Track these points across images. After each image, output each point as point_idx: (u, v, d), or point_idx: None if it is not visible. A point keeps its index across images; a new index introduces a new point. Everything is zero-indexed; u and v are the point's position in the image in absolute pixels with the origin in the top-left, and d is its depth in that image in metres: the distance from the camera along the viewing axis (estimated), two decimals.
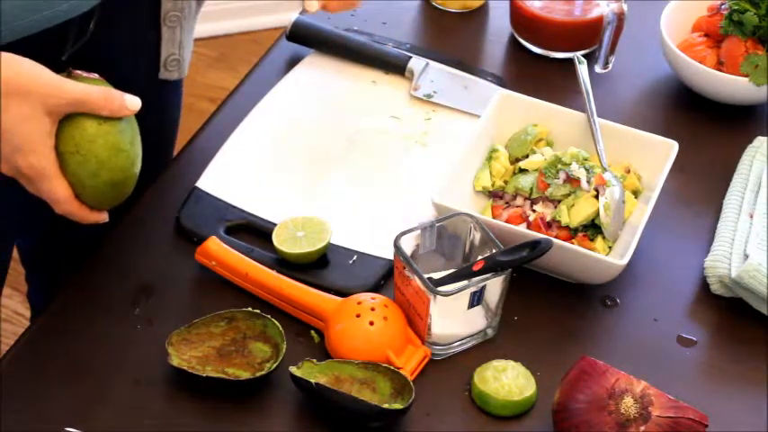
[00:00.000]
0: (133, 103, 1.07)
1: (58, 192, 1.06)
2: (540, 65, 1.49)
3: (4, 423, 1.07)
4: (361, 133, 1.37)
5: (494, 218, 1.24)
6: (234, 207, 1.27)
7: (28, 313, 2.28)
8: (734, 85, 1.38)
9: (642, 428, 1.01)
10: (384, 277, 1.21)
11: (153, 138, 1.43)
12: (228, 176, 1.30)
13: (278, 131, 1.36)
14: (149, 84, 1.35)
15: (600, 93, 1.36)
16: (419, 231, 1.16)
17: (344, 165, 1.33)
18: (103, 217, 1.11)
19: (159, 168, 1.34)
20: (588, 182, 1.22)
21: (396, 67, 1.44)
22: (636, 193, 1.26)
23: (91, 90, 1.04)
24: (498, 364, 1.12)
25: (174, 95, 1.46)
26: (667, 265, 1.25)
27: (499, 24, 1.54)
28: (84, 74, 1.07)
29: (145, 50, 1.32)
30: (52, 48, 1.17)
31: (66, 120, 1.05)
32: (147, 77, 1.34)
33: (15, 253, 1.67)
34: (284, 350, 1.10)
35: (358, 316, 1.12)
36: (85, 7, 1.14)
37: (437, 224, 1.16)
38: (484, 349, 1.15)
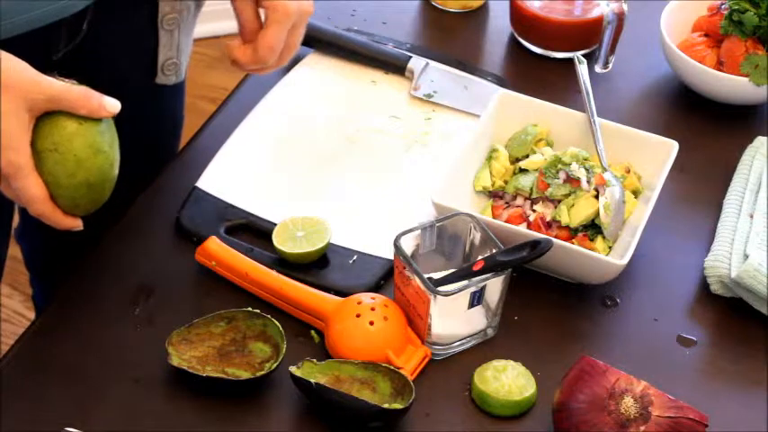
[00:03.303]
0: (112, 104, 1.04)
1: (32, 189, 1.03)
2: (540, 65, 1.49)
3: (4, 423, 1.07)
4: (361, 133, 1.37)
5: (494, 218, 1.24)
6: (234, 207, 1.27)
7: (28, 313, 2.28)
8: (734, 85, 1.38)
9: (642, 428, 1.01)
10: (384, 277, 1.21)
11: (152, 143, 1.42)
12: (228, 176, 1.30)
13: (278, 131, 1.36)
14: (146, 88, 1.35)
15: (600, 93, 1.36)
16: (419, 231, 1.16)
17: (344, 165, 1.33)
18: (77, 224, 1.07)
19: (160, 172, 1.33)
20: (588, 182, 1.22)
21: (396, 67, 1.44)
22: (636, 193, 1.26)
23: (69, 87, 1.02)
24: (498, 364, 1.12)
25: (174, 100, 1.45)
26: (667, 265, 1.25)
27: (499, 24, 1.55)
28: (65, 79, 1.05)
29: (141, 54, 1.32)
30: (43, 48, 1.16)
31: (45, 117, 1.03)
32: (144, 82, 1.34)
33: (18, 253, 1.68)
34: (284, 350, 1.10)
35: (358, 316, 1.12)
36: (78, 7, 1.13)
37: (437, 224, 1.16)
38: (484, 349, 1.15)
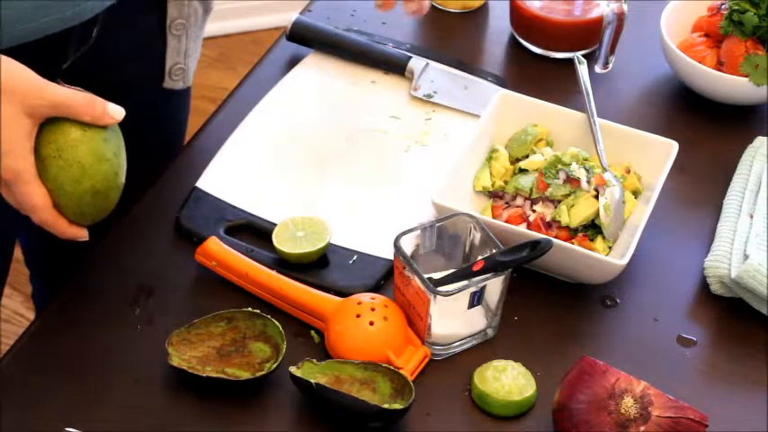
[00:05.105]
0: (116, 111, 1.04)
1: (34, 197, 1.02)
2: (540, 65, 1.49)
3: (4, 423, 1.07)
4: (361, 133, 1.37)
5: (494, 218, 1.24)
6: (234, 207, 1.27)
7: (28, 313, 2.28)
8: (734, 85, 1.38)
9: (642, 428, 1.01)
10: (384, 277, 1.21)
11: (157, 147, 1.43)
12: (228, 176, 1.30)
13: (278, 131, 1.36)
14: (153, 93, 1.35)
15: (600, 93, 1.36)
16: (419, 231, 1.16)
17: (344, 165, 1.33)
18: (82, 234, 1.07)
19: (160, 173, 1.33)
20: (588, 182, 1.22)
21: (396, 67, 1.44)
22: (636, 193, 1.26)
23: (73, 94, 1.02)
24: (498, 364, 1.12)
25: (180, 105, 1.45)
26: (667, 265, 1.25)
27: (499, 24, 1.55)
28: (70, 86, 1.04)
29: (149, 59, 1.32)
30: (53, 54, 1.16)
31: (49, 124, 1.03)
32: (151, 86, 1.34)
33: (18, 254, 1.68)
34: (284, 350, 1.10)
35: (358, 316, 1.12)
36: (89, 14, 1.13)
37: (437, 224, 1.16)
38: (484, 349, 1.15)
